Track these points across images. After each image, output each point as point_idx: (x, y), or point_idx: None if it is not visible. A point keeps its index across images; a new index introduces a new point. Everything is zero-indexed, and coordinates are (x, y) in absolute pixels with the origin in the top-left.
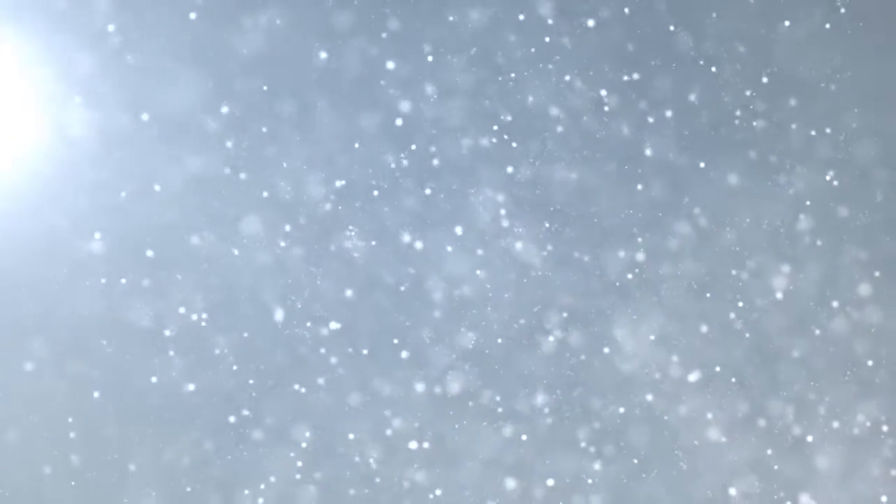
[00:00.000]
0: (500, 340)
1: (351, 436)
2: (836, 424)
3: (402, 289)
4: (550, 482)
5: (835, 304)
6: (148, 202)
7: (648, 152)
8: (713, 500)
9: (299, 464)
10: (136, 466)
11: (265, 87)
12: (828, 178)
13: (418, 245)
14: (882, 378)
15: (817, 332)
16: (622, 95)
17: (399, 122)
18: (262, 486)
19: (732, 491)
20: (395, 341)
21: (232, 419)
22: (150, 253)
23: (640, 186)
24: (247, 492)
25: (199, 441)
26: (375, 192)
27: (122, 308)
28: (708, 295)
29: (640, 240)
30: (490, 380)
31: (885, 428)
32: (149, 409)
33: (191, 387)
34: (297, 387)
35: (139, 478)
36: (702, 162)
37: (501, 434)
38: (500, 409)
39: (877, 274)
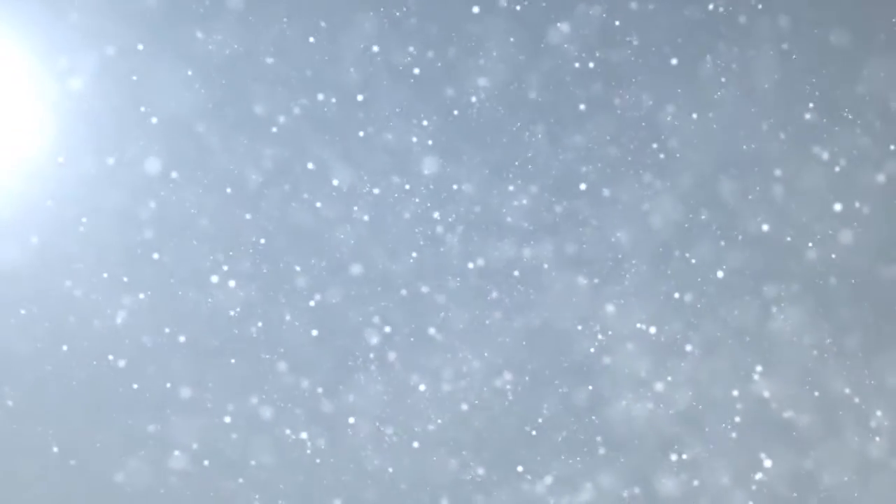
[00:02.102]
0: (425, 289)
1: (254, 400)
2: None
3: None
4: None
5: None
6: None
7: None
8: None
9: (234, 436)
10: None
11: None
12: (807, 117)
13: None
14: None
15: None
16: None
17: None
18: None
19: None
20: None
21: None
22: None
23: (582, 106)
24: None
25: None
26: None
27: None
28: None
29: (584, 170)
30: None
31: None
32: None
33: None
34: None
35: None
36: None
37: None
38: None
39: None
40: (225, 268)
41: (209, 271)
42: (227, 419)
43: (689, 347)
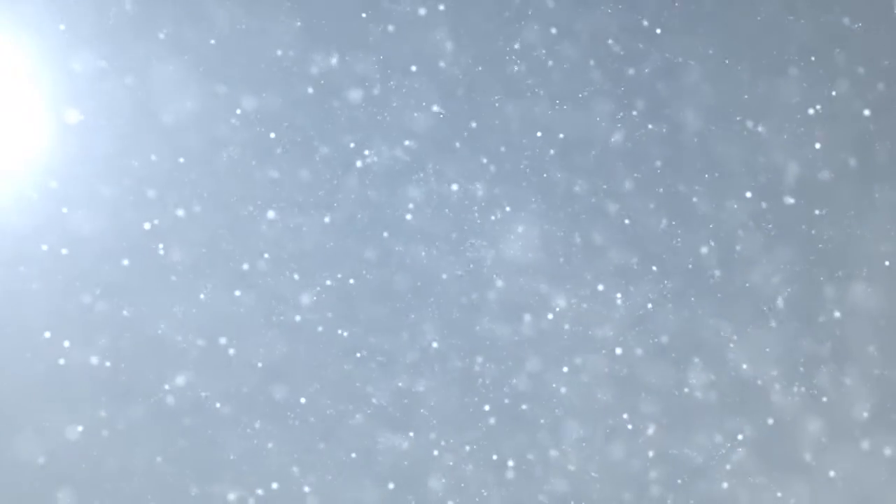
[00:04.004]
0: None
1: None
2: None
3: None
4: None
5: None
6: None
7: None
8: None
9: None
10: None
11: None
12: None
13: None
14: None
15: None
16: None
17: None
18: None
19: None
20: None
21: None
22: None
23: (549, 59)
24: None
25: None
26: None
27: None
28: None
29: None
30: None
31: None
32: None
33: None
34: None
35: None
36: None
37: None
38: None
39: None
40: (167, 241)
41: (151, 246)
42: (170, 399)
43: (650, 306)
